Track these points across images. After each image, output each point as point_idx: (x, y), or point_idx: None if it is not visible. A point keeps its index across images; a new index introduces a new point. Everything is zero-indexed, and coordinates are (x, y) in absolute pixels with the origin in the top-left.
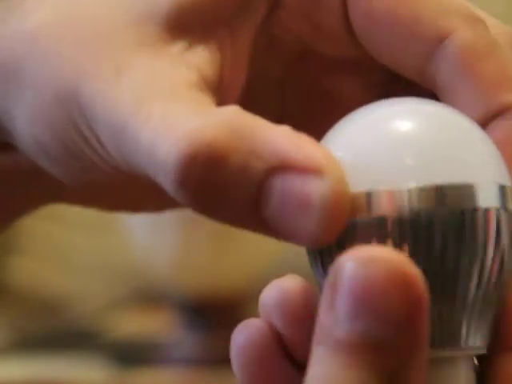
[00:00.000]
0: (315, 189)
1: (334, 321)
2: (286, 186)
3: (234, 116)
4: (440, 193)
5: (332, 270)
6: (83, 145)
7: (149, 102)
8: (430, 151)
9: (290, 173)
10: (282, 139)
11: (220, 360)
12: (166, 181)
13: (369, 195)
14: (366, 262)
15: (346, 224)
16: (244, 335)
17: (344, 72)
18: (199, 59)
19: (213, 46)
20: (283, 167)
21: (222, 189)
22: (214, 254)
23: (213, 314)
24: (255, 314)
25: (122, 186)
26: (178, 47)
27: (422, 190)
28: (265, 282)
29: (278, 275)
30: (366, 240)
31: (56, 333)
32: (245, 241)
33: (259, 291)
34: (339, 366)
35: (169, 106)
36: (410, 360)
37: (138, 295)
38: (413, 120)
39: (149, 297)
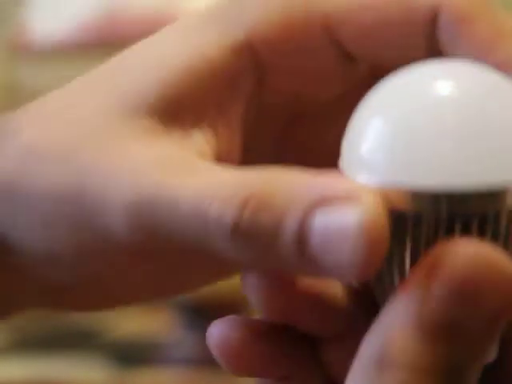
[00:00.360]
0: (352, 218)
1: (424, 297)
2: (326, 219)
3: (266, 170)
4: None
5: (434, 253)
6: (96, 239)
7: (172, 176)
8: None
9: (329, 206)
10: (316, 178)
11: None
12: (218, 233)
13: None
14: (474, 255)
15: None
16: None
17: (339, 114)
18: (195, 143)
19: (206, 128)
20: (322, 202)
21: (270, 229)
22: None
23: (213, 313)
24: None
25: (138, 273)
26: (173, 137)
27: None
28: None
29: None
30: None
31: (56, 333)
32: None
33: None
34: (419, 340)
35: (195, 175)
36: (480, 352)
37: None
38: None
39: None
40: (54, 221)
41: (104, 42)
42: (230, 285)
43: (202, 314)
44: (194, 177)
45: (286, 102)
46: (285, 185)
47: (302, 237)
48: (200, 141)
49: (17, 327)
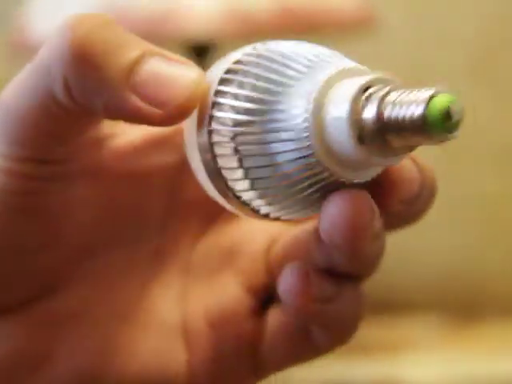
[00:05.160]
0: (186, 72)
1: None
2: (161, 62)
3: None
4: None
5: None
6: None
7: None
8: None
9: (167, 58)
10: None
11: None
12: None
13: None
14: None
15: None
16: None
17: None
18: None
19: None
20: (158, 53)
21: (103, 48)
22: None
23: None
24: None
25: None
26: None
27: None
28: None
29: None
30: None
31: None
32: None
33: None
34: None
35: None
36: None
37: None
38: None
39: None
40: None
41: None
42: None
43: None
44: None
45: None
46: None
47: (135, 63)
48: None
49: None
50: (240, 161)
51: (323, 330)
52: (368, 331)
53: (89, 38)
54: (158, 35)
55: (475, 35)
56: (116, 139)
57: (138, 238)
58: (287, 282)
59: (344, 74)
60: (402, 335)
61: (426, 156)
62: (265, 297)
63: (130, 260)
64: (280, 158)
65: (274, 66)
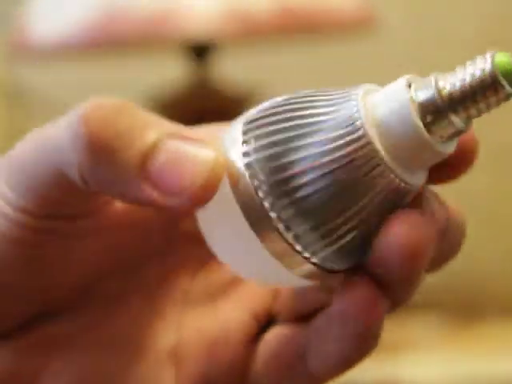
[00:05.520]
0: (203, 153)
1: None
2: (177, 146)
3: None
4: None
5: None
6: None
7: None
8: None
9: (182, 139)
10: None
11: None
12: (69, 144)
13: None
14: None
15: None
16: None
17: None
18: None
19: None
20: (177, 135)
21: (116, 140)
22: None
23: None
24: None
25: None
26: None
27: None
28: None
29: None
30: None
31: None
32: None
33: None
34: None
35: None
36: None
37: None
38: None
39: None
40: None
41: (104, 41)
42: None
43: None
44: None
45: None
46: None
47: (148, 153)
48: None
49: None
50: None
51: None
52: None
53: (102, 131)
54: (158, 35)
55: (475, 35)
56: None
57: (137, 267)
58: (355, 295)
59: (371, 90)
60: (402, 335)
61: None
62: (266, 321)
63: (128, 288)
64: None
65: (297, 112)
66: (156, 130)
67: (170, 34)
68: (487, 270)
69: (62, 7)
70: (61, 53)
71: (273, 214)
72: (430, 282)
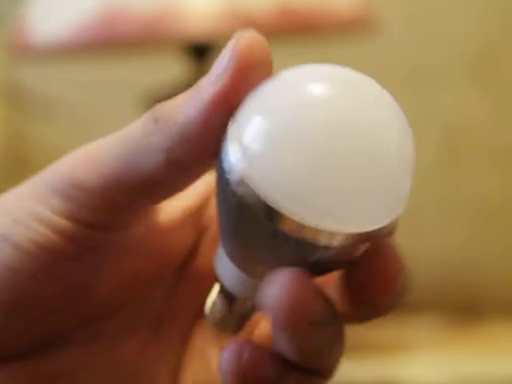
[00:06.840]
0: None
1: None
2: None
3: None
4: None
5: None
6: None
7: None
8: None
9: None
10: None
11: None
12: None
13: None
14: None
15: None
16: None
17: None
18: None
19: None
20: None
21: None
22: None
23: None
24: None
25: None
26: None
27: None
28: None
29: None
30: None
31: None
32: None
33: None
34: None
35: None
36: None
37: None
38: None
39: None
40: None
41: (104, 42)
42: None
43: None
44: None
45: None
46: None
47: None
48: None
49: None
50: None
51: None
52: (368, 331)
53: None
54: (158, 35)
55: (475, 35)
56: (156, 214)
57: (142, 304)
58: (224, 358)
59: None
60: (402, 335)
61: (425, 156)
62: None
63: (131, 325)
64: None
65: None
66: None
67: (170, 33)
68: (487, 270)
69: (62, 7)
70: (61, 53)
71: None
72: (430, 281)
